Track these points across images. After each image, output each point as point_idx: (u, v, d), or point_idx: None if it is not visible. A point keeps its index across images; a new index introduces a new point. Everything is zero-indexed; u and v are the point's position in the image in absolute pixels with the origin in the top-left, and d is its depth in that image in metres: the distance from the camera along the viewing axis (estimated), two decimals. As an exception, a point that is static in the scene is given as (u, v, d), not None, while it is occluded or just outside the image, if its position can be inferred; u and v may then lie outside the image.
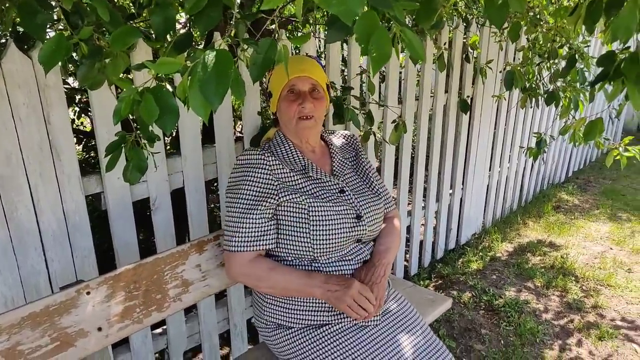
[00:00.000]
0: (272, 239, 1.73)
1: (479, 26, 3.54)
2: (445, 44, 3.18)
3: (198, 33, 3.38)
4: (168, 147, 3.42)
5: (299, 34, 4.28)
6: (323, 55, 4.27)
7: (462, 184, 4.06)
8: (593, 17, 1.51)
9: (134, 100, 1.12)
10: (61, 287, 1.55)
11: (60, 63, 1.27)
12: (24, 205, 1.72)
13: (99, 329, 1.58)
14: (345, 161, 1.98)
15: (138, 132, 1.43)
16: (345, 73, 2.79)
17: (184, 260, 1.82)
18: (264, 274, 1.71)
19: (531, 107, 4.59)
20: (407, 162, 3.38)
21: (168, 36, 1.36)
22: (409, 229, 3.70)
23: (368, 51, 0.91)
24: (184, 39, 1.35)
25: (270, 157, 1.74)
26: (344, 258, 1.79)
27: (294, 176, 1.77)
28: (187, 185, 2.20)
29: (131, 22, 1.86)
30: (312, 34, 2.66)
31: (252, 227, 1.69)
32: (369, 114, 2.53)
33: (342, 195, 1.82)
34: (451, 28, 3.29)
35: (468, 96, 3.67)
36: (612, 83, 1.65)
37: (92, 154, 3.94)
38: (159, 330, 2.36)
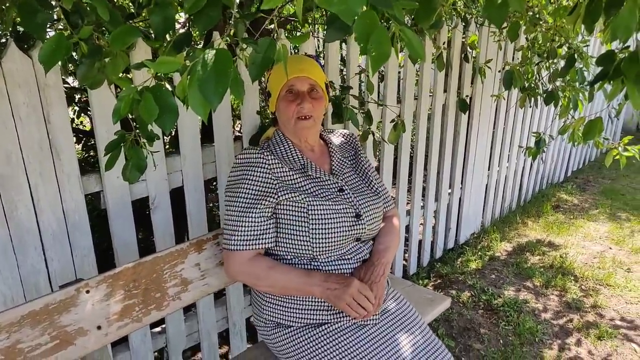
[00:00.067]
0: (271, 237, 1.73)
1: (478, 26, 3.55)
2: (444, 43, 3.18)
3: (197, 32, 3.38)
4: (167, 146, 3.43)
5: (298, 34, 4.28)
6: (322, 55, 4.27)
7: (461, 183, 4.07)
8: (592, 16, 1.52)
9: (133, 99, 1.12)
10: (61, 285, 1.55)
11: (60, 62, 1.27)
12: (23, 205, 1.72)
13: (99, 328, 1.58)
14: (344, 160, 1.98)
15: (137, 131, 1.43)
16: (344, 72, 2.79)
17: (183, 259, 1.82)
18: (263, 272, 1.71)
19: (530, 107, 4.59)
20: (406, 162, 3.38)
21: (167, 36, 1.36)
22: (407, 229, 3.71)
23: (367, 50, 0.92)
24: (183, 38, 1.35)
25: (269, 156, 1.74)
26: (343, 257, 1.80)
27: (293, 175, 1.77)
28: (186, 185, 2.20)
29: (130, 21, 1.86)
30: (311, 33, 2.66)
31: (251, 226, 1.69)
32: (367, 113, 2.53)
33: (341, 194, 1.82)
34: (450, 27, 3.29)
35: (467, 96, 3.67)
36: (611, 82, 1.65)
37: (91, 153, 3.94)
38: (158, 329, 2.36)
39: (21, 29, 2.49)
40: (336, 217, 1.74)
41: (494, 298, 3.42)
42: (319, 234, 1.71)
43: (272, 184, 1.72)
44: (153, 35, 1.40)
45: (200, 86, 0.91)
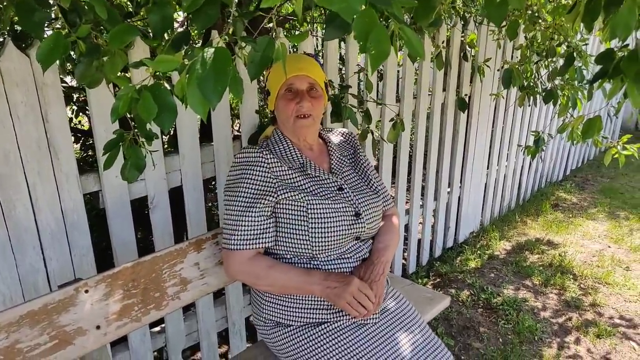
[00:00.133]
0: (270, 236, 1.73)
1: (477, 24, 3.54)
2: (443, 42, 3.18)
3: (196, 31, 3.38)
4: (166, 146, 3.42)
5: (297, 33, 4.28)
6: (321, 54, 4.27)
7: (460, 182, 4.06)
8: (591, 14, 1.51)
9: (132, 98, 1.12)
10: (59, 285, 1.54)
11: (58, 61, 1.27)
12: (22, 204, 1.72)
13: (98, 327, 1.58)
14: (343, 159, 1.98)
15: (136, 130, 1.43)
16: (343, 71, 2.79)
17: (182, 258, 1.82)
18: (262, 271, 1.71)
19: (529, 106, 4.58)
20: (405, 161, 3.38)
21: (166, 34, 1.36)
22: (407, 228, 3.71)
23: (366, 49, 0.91)
24: (181, 37, 1.35)
25: (268, 155, 1.74)
26: (343, 256, 1.80)
27: (292, 174, 1.77)
28: (185, 184, 2.20)
29: (129, 20, 1.86)
30: (309, 32, 2.66)
31: (250, 225, 1.69)
32: (366, 112, 2.53)
33: (340, 192, 1.82)
34: (449, 26, 3.29)
35: (466, 94, 3.67)
36: (611, 81, 1.65)
37: (90, 153, 3.94)
38: (157, 329, 2.36)
39: (19, 28, 2.48)
40: (336, 216, 1.74)
41: (493, 297, 3.42)
42: (318, 233, 1.71)
43: (272, 183, 1.72)
44: (151, 34, 1.40)
45: (199, 85, 0.90)
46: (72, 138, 1.96)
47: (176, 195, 2.25)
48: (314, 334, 1.74)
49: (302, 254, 1.75)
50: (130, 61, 1.80)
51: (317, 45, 4.86)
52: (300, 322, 1.78)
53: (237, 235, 1.68)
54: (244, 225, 1.68)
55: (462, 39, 3.42)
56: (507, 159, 4.59)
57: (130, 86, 1.12)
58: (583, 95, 3.15)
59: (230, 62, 0.92)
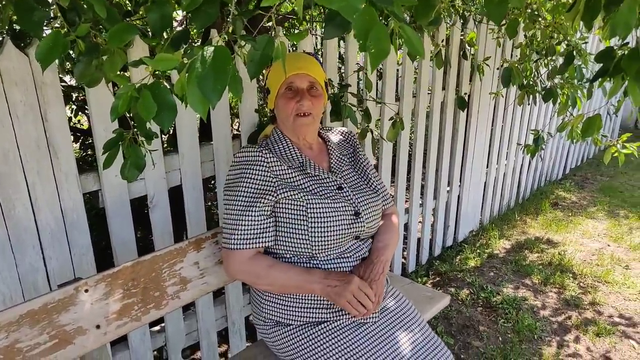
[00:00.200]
0: (270, 236, 1.73)
1: (476, 23, 3.54)
2: (442, 40, 3.18)
3: (195, 30, 3.37)
4: (165, 145, 3.41)
5: (296, 31, 4.28)
6: (320, 53, 4.27)
7: (460, 181, 4.06)
8: (591, 13, 1.51)
9: (131, 97, 1.11)
10: (59, 284, 1.54)
11: (57, 60, 1.26)
12: (21, 204, 1.71)
13: (98, 327, 1.58)
14: (343, 158, 1.97)
15: (135, 129, 1.43)
16: (343, 70, 2.79)
17: (182, 258, 1.82)
18: (262, 271, 1.71)
19: (529, 104, 4.59)
20: (404, 160, 3.38)
21: (165, 33, 1.35)
22: (406, 226, 3.71)
23: (366, 47, 0.91)
24: (180, 35, 1.35)
25: (268, 154, 1.73)
26: (343, 255, 1.79)
27: (291, 173, 1.77)
28: (184, 183, 2.20)
29: (128, 19, 1.85)
30: (309, 30, 2.65)
31: (250, 225, 1.69)
32: (366, 111, 2.52)
33: (340, 192, 1.82)
34: (448, 25, 3.29)
35: (465, 93, 3.67)
36: (611, 79, 1.65)
37: (89, 152, 3.93)
38: (157, 328, 2.36)
39: (17, 27, 2.48)
40: (335, 215, 1.74)
41: (492, 295, 3.42)
42: (318, 232, 1.71)
43: (271, 182, 1.71)
44: (150, 32, 1.40)
45: (199, 83, 0.90)
46: (72, 137, 1.95)
47: (176, 195, 2.25)
48: (313, 333, 1.74)
49: (301, 253, 1.75)
50: (130, 60, 1.80)
51: (316, 44, 4.86)
52: (300, 321, 1.78)
53: (237, 234, 1.68)
54: (244, 225, 1.68)
55: (462, 37, 3.42)
56: (507, 158, 4.59)
57: (130, 85, 1.12)
58: (583, 94, 3.15)
59: (230, 61, 0.92)
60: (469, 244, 4.20)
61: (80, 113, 3.65)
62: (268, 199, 1.70)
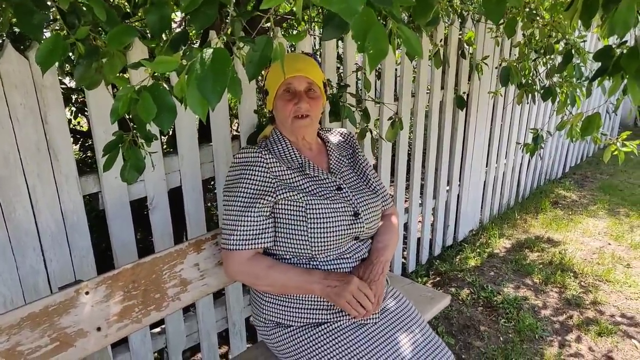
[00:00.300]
0: (269, 236, 1.73)
1: (475, 22, 3.55)
2: (441, 40, 3.18)
3: (194, 31, 3.38)
4: (165, 147, 3.42)
5: (294, 32, 4.28)
6: (319, 53, 4.27)
7: (459, 180, 4.07)
8: (589, 12, 1.51)
9: (131, 98, 1.12)
10: (60, 287, 1.54)
11: (57, 63, 1.27)
12: (22, 206, 1.72)
13: (98, 329, 1.58)
14: (342, 158, 1.98)
15: (135, 131, 1.43)
16: (341, 70, 2.79)
17: (182, 259, 1.82)
18: (262, 272, 1.71)
19: (527, 103, 4.59)
20: (403, 159, 3.38)
21: (164, 35, 1.36)
22: (406, 226, 3.71)
23: (365, 48, 0.91)
24: (179, 37, 1.35)
25: (267, 155, 1.74)
26: (342, 256, 1.80)
27: (291, 174, 1.77)
28: (184, 184, 2.20)
29: (127, 21, 1.86)
30: (307, 31, 2.65)
31: (249, 225, 1.69)
32: (365, 111, 2.53)
33: (339, 192, 1.82)
34: (447, 24, 3.29)
35: (464, 92, 3.67)
36: (610, 78, 1.65)
37: (89, 154, 3.94)
38: (157, 330, 2.36)
39: (17, 30, 2.48)
40: (334, 216, 1.74)
41: (493, 295, 3.42)
42: (317, 232, 1.71)
43: (271, 183, 1.72)
44: (149, 34, 1.40)
45: (198, 85, 0.90)
46: (71, 139, 1.96)
47: (175, 196, 2.25)
48: (314, 334, 1.74)
49: (301, 254, 1.75)
50: (129, 62, 1.80)
51: (315, 45, 4.86)
52: (301, 322, 1.78)
53: (236, 235, 1.69)
54: (243, 225, 1.69)
55: (460, 36, 3.42)
56: (506, 157, 4.59)
57: (130, 87, 1.12)
58: (582, 92, 3.15)
59: (229, 62, 0.92)
60: (469, 243, 4.20)
61: (80, 115, 3.66)
62: (267, 200, 1.70)
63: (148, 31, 1.43)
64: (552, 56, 3.14)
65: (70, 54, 1.34)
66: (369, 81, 2.62)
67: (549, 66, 3.18)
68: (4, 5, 1.46)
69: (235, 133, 2.47)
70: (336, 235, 1.74)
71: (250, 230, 1.69)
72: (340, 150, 2.02)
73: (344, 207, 1.77)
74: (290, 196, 1.72)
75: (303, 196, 1.72)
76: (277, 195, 1.71)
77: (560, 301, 3.38)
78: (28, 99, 1.65)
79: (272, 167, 1.73)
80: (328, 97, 2.21)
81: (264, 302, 1.84)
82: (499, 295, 3.42)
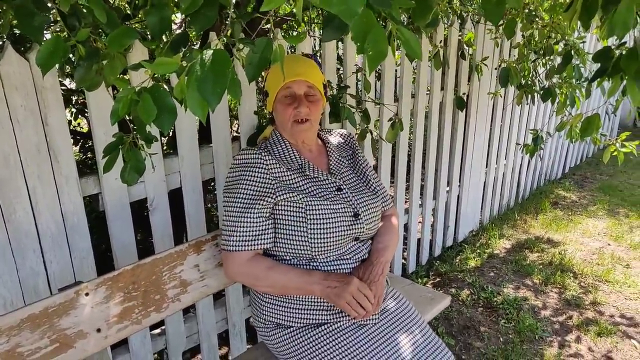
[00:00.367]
0: (269, 238, 1.73)
1: (474, 23, 3.55)
2: (440, 41, 3.18)
3: (194, 33, 3.38)
4: (165, 148, 3.42)
5: (294, 33, 4.28)
6: (318, 54, 4.28)
7: (459, 181, 4.07)
8: (588, 13, 1.51)
9: (131, 100, 1.12)
10: (60, 288, 1.54)
11: (57, 65, 1.27)
12: (22, 207, 1.72)
13: (98, 330, 1.58)
14: (342, 159, 1.98)
15: (135, 133, 1.43)
16: (341, 71, 2.79)
17: (182, 260, 1.82)
18: (262, 273, 1.71)
19: (527, 104, 4.59)
20: (403, 160, 3.38)
21: (164, 36, 1.36)
22: (406, 227, 3.71)
23: (364, 50, 0.91)
24: (180, 39, 1.35)
25: (267, 156, 1.74)
26: (342, 257, 1.80)
27: (291, 175, 1.77)
28: (184, 186, 2.20)
29: (127, 22, 1.86)
30: (307, 32, 2.66)
31: (249, 226, 1.69)
32: (365, 112, 2.53)
33: (339, 193, 1.82)
34: (446, 25, 3.29)
35: (464, 93, 3.67)
36: (610, 79, 1.65)
37: (89, 155, 3.94)
38: (157, 331, 2.36)
39: (18, 32, 2.49)
40: (334, 217, 1.74)
41: (493, 296, 3.42)
42: (317, 233, 1.71)
43: (270, 184, 1.72)
44: (150, 36, 1.40)
45: (198, 86, 0.91)
46: (72, 141, 1.96)
47: (175, 197, 2.25)
48: (314, 335, 1.74)
49: (301, 255, 1.75)
50: (129, 64, 1.80)
51: (315, 46, 4.87)
52: (301, 323, 1.78)
53: (236, 236, 1.69)
54: (243, 226, 1.69)
55: (460, 38, 3.42)
56: (506, 158, 4.59)
57: (130, 88, 1.12)
58: (581, 93, 3.15)
59: (229, 63, 0.92)
60: (469, 244, 4.20)
61: (80, 116, 3.66)
62: (267, 201, 1.71)
63: (148, 33, 1.44)
64: (552, 57, 3.15)
65: (71, 55, 1.34)
66: (369, 82, 2.62)
67: (548, 67, 3.18)
68: (4, 7, 1.47)
69: (235, 134, 2.47)
70: (336, 236, 1.74)
71: (250, 231, 1.69)
72: (340, 151, 2.02)
73: (344, 208, 1.78)
74: (290, 197, 1.72)
75: (303, 197, 1.73)
76: (277, 197, 1.72)
77: (560, 302, 3.38)
78: (28, 100, 1.65)
79: (271, 169, 1.74)
80: (328, 99, 2.22)
81: (264, 303, 1.84)
82: (499, 296, 3.42)
